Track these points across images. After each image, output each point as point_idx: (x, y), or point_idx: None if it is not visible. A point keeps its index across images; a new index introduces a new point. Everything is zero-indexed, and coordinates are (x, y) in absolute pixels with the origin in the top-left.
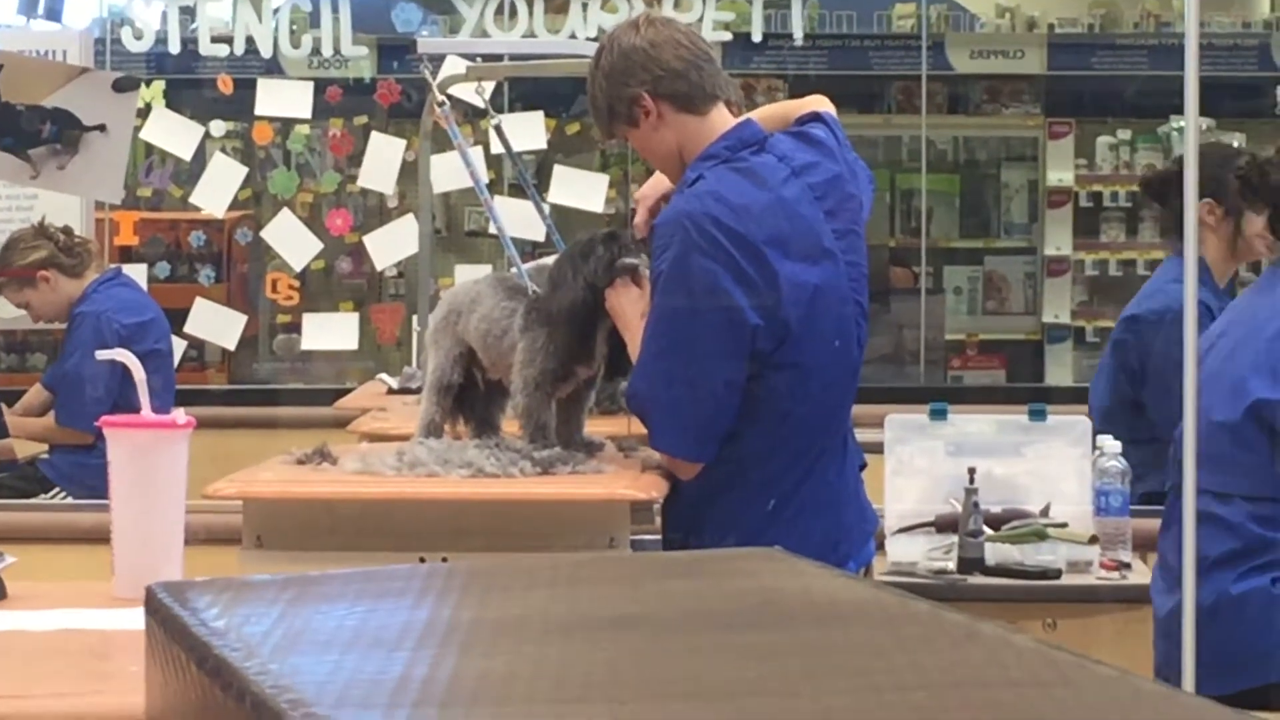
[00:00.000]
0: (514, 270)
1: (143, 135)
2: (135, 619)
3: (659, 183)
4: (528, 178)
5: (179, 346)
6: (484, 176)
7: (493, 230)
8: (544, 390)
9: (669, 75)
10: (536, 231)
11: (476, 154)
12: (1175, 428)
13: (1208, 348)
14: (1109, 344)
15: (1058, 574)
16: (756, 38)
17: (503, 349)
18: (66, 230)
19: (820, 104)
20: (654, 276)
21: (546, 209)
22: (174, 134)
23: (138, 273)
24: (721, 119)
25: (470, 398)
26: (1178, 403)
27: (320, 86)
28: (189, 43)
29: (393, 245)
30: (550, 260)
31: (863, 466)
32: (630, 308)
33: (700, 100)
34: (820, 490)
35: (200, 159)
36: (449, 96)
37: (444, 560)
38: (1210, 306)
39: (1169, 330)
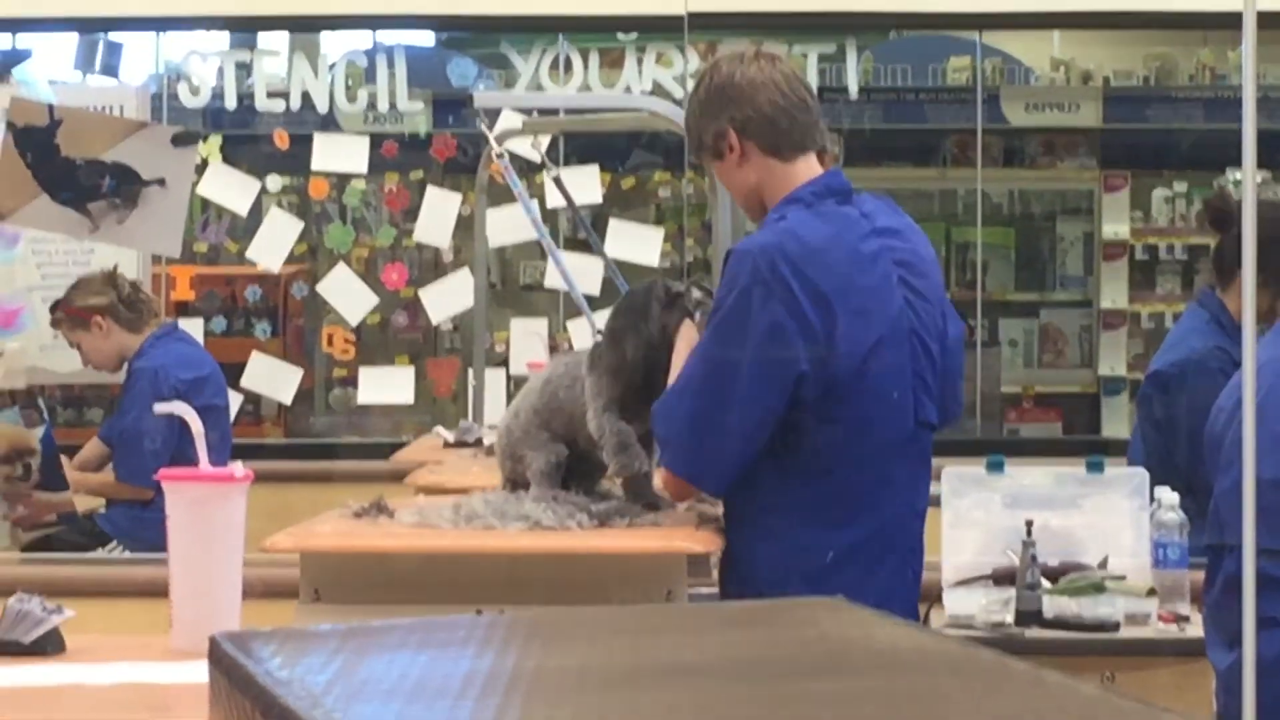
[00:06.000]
0: (584, 316)
1: (199, 190)
2: (194, 672)
3: None
4: (590, 228)
5: (235, 400)
6: (543, 227)
7: (548, 284)
8: (612, 412)
9: (758, 118)
10: (591, 284)
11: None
12: (1205, 481)
13: (1236, 401)
14: (1137, 401)
15: (1116, 626)
16: None
17: (575, 394)
18: (135, 285)
19: None
20: (717, 302)
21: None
22: (230, 189)
23: (194, 327)
24: (808, 168)
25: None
26: (1205, 456)
27: (376, 141)
28: (245, 98)
29: (448, 299)
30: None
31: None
32: (688, 348)
33: (786, 147)
34: (874, 559)
35: (256, 214)
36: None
37: (501, 613)
38: (1234, 356)
39: (1192, 382)
